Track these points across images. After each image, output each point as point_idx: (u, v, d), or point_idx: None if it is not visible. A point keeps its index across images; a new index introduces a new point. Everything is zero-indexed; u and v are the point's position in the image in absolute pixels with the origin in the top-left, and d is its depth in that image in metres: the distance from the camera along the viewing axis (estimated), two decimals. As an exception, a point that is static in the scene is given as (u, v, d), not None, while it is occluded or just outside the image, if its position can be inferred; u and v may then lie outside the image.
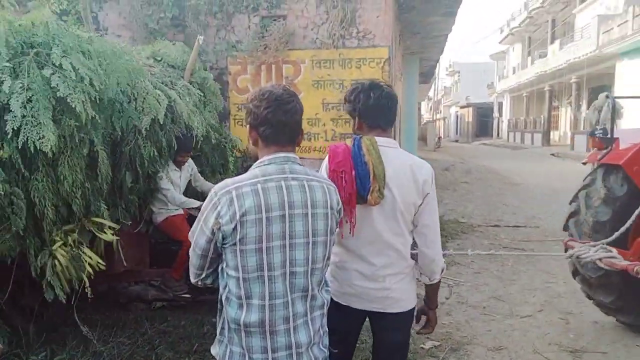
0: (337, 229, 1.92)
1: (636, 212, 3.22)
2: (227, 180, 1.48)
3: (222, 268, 1.50)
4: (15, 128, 2.25)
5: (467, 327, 3.96)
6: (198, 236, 1.47)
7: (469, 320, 4.09)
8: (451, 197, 10.39)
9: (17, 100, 2.27)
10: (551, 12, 27.15)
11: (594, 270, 3.40)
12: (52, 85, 2.36)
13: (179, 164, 3.85)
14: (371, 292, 1.98)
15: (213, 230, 1.42)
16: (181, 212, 3.93)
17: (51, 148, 2.28)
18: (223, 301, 1.51)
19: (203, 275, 1.54)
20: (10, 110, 2.27)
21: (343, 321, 2.05)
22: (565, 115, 29.03)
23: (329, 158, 1.98)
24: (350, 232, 1.95)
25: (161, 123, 3.15)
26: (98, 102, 2.60)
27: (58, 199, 2.48)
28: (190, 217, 3.93)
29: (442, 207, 8.55)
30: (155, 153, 3.18)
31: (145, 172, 3.18)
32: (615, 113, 3.76)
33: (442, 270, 2.06)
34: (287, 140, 1.53)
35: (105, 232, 2.76)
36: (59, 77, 2.36)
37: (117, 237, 2.89)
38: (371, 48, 5.59)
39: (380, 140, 1.96)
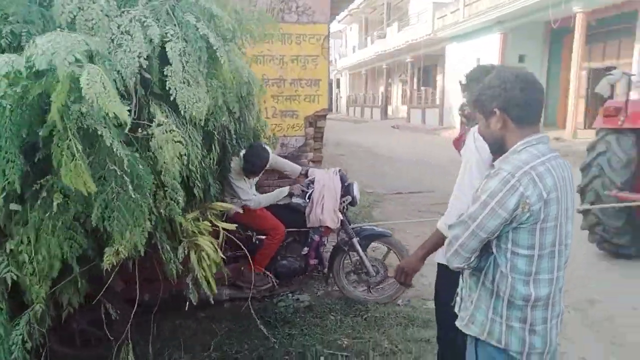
0: None
1: None
2: (513, 162, 1.47)
3: (501, 248, 1.51)
4: (175, 88, 1.73)
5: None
6: (487, 219, 1.45)
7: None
8: (340, 171, 10.91)
9: (174, 52, 1.73)
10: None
11: (616, 218, 4.36)
12: (201, 34, 1.84)
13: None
14: None
15: (515, 211, 1.42)
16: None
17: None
18: (497, 281, 1.53)
19: (472, 259, 1.53)
20: (170, 64, 1.74)
21: None
22: (397, 91, 32.47)
23: None
24: None
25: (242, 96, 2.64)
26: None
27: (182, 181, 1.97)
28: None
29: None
30: (241, 129, 2.69)
31: (231, 152, 2.71)
32: (630, 87, 4.42)
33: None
34: (539, 119, 1.58)
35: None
36: (206, 25, 1.86)
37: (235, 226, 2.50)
38: (311, 24, 5.50)
39: None
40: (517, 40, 17.65)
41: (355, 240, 3.70)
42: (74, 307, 2.06)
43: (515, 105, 1.51)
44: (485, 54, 18.76)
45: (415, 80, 26.58)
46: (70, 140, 1.46)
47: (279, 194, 3.64)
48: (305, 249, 3.70)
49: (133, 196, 1.64)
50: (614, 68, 14.64)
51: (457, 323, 1.71)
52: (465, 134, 2.07)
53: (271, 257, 3.58)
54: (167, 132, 1.76)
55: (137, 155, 1.75)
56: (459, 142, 2.14)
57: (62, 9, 1.65)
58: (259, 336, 3.24)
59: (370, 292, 3.86)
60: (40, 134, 1.52)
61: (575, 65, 13.71)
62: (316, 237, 3.67)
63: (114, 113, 1.42)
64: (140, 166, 1.71)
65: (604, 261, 4.74)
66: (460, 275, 1.76)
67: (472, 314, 1.62)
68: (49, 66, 1.37)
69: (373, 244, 4.04)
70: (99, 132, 1.49)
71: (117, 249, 1.75)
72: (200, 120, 1.88)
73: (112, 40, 1.71)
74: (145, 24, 1.75)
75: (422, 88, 25.59)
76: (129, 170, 1.62)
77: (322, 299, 3.87)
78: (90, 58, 1.56)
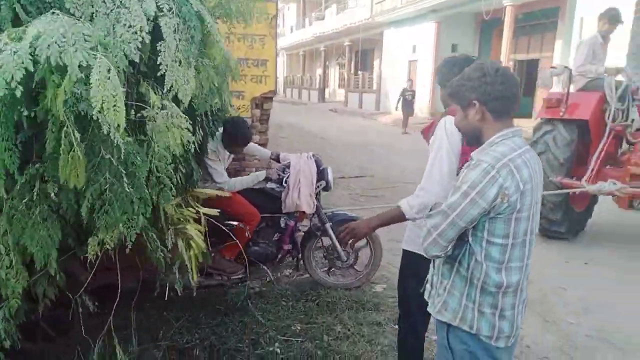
0: None
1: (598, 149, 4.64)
2: (492, 154, 1.51)
3: (477, 237, 1.55)
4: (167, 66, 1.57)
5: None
6: (467, 209, 1.49)
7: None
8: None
9: (169, 28, 1.58)
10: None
11: (556, 196, 4.73)
12: (195, 10, 1.69)
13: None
14: None
15: (494, 202, 1.47)
16: None
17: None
18: (472, 268, 1.58)
19: (449, 247, 1.57)
20: (164, 40, 1.58)
21: None
22: (334, 74, 32.62)
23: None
24: None
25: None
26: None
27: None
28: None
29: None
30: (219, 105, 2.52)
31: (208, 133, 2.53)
32: (570, 81, 4.78)
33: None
34: (514, 113, 1.62)
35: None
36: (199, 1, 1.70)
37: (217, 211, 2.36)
38: (260, 1, 5.32)
39: None
40: (450, 30, 18.29)
41: (328, 225, 3.68)
42: (51, 300, 1.89)
43: (495, 99, 1.54)
44: (421, 42, 19.29)
45: (352, 64, 26.81)
46: (68, 127, 1.30)
47: (254, 178, 3.55)
48: (278, 234, 3.64)
49: (128, 190, 1.50)
50: (538, 60, 15.65)
51: (429, 309, 1.74)
52: (436, 123, 2.08)
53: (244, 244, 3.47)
54: (171, 118, 1.62)
55: (130, 140, 1.59)
56: (428, 132, 2.15)
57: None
58: (210, 324, 3.14)
59: (340, 276, 3.88)
60: (24, 114, 1.33)
61: (504, 57, 14.43)
62: (291, 223, 3.62)
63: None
64: (138, 156, 1.56)
65: (538, 242, 5.09)
66: (432, 263, 1.78)
67: (445, 301, 1.66)
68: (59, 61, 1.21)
69: None
70: (95, 118, 1.33)
71: (103, 240, 1.61)
72: (185, 102, 1.74)
73: (107, 15, 1.52)
74: None
75: (360, 72, 25.89)
76: (123, 159, 1.48)
77: (272, 284, 3.83)
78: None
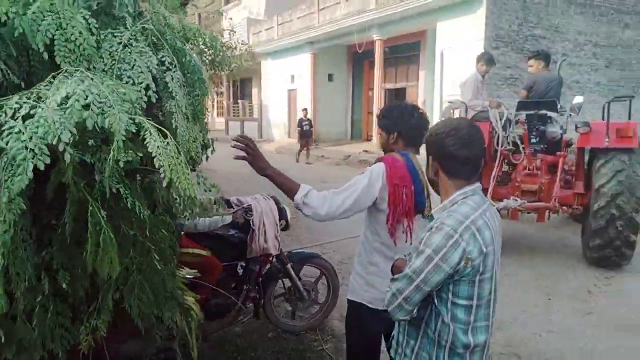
0: (391, 238, 2.18)
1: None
2: (454, 216, 1.49)
3: (442, 299, 1.53)
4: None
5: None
6: (431, 274, 1.46)
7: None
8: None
9: (175, 83, 1.45)
10: (200, 7, 29.11)
11: None
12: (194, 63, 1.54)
13: None
14: None
15: (458, 265, 1.45)
16: None
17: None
18: (439, 330, 1.55)
19: (415, 310, 1.54)
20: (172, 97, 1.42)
21: (379, 324, 2.20)
22: (212, 103, 32.10)
23: (389, 172, 2.10)
24: (407, 242, 2.17)
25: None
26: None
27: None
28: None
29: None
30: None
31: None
32: (467, 113, 5.23)
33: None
34: (477, 172, 1.60)
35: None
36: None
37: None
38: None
39: (417, 157, 2.20)
40: (326, 60, 19.29)
41: (289, 266, 3.52)
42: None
43: (448, 158, 1.55)
44: (298, 72, 20.00)
45: (231, 92, 26.69)
46: (92, 205, 1.09)
47: (219, 220, 3.16)
48: (234, 282, 3.38)
49: (160, 267, 1.29)
50: (405, 89, 17.25)
51: None
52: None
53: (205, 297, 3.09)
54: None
55: (157, 215, 1.38)
56: None
57: (37, 26, 1.24)
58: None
59: (300, 319, 3.71)
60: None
61: (377, 86, 15.63)
62: (257, 268, 3.39)
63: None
64: (162, 228, 1.36)
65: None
66: (397, 322, 1.74)
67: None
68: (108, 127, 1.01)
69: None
70: (121, 190, 1.13)
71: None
72: (198, 161, 1.60)
73: (106, 72, 1.32)
74: (137, 49, 1.39)
75: (239, 101, 25.86)
76: (149, 235, 1.28)
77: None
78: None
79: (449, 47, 12.67)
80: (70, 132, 1.02)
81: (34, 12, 1.22)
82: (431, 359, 1.58)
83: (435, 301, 1.55)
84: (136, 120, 1.15)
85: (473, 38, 11.73)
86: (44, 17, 1.24)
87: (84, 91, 1.09)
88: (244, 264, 3.39)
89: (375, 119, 15.53)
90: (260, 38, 21.27)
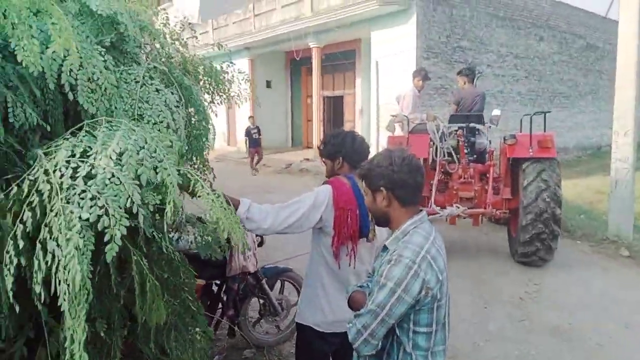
0: (335, 261, 2.20)
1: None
2: (411, 248, 1.54)
3: (403, 328, 1.57)
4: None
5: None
6: (395, 307, 1.49)
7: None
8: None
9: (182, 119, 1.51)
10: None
11: None
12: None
13: None
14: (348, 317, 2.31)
15: (419, 295, 1.49)
16: None
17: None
18: (401, 359, 1.59)
19: (379, 344, 1.56)
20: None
21: (327, 346, 2.31)
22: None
23: (335, 195, 2.15)
24: (350, 265, 2.23)
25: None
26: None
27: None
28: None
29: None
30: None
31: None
32: (408, 126, 5.44)
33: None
34: (420, 199, 1.71)
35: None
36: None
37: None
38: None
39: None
40: (264, 66, 19.18)
41: (264, 281, 3.51)
42: None
43: (402, 187, 1.61)
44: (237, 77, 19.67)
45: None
46: (135, 254, 1.11)
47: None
48: (209, 302, 3.32)
49: (193, 307, 1.29)
50: (342, 97, 17.52)
51: None
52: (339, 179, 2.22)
53: None
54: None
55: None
56: None
57: (58, 66, 1.21)
58: None
59: (274, 333, 3.76)
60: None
61: (315, 93, 15.74)
62: (235, 286, 3.33)
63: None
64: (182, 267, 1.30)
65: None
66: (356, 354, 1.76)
67: None
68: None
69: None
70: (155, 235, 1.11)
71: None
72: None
73: (127, 111, 1.27)
74: (153, 87, 1.38)
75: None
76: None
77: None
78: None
79: (383, 56, 13.03)
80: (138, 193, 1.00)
81: (54, 52, 1.19)
82: None
83: (397, 332, 1.58)
84: (181, 172, 1.15)
85: (405, 48, 12.15)
86: (65, 57, 1.20)
87: (134, 146, 1.07)
88: (218, 282, 3.39)
89: (315, 126, 15.94)
90: (196, 42, 20.70)
